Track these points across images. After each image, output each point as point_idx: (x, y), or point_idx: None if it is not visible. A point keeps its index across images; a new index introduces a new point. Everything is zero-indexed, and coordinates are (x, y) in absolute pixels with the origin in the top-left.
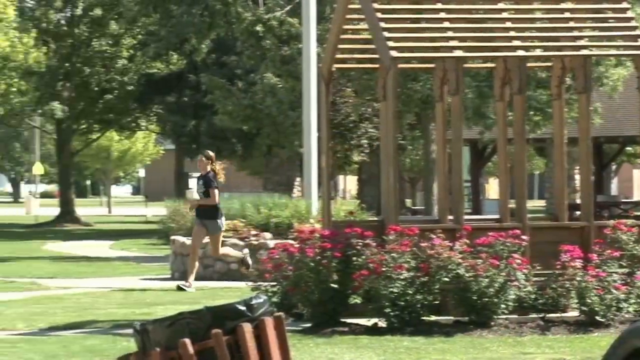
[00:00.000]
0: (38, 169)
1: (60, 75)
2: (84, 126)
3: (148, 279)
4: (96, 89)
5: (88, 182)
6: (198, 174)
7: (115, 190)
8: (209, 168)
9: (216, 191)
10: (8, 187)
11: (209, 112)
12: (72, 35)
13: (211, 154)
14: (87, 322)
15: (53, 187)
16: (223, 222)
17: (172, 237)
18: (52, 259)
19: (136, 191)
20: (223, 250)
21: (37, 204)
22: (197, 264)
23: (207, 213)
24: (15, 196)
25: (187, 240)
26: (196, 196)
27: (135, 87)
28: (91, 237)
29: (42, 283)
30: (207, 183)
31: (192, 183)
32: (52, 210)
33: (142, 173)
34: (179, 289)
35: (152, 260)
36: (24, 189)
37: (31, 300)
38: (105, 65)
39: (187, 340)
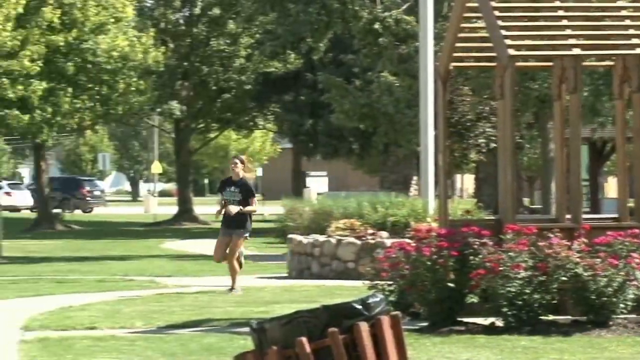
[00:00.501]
0: (156, 167)
1: (179, 75)
2: (202, 125)
3: (265, 278)
4: (214, 88)
5: (206, 181)
6: (226, 178)
7: None
8: (241, 174)
9: (255, 199)
10: (127, 186)
11: (326, 110)
12: (191, 35)
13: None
14: (204, 320)
15: (171, 186)
16: (249, 230)
17: (289, 236)
18: (170, 257)
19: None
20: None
21: (156, 203)
22: (237, 268)
23: (241, 222)
24: (134, 195)
25: (304, 239)
26: (234, 207)
27: (252, 86)
28: (209, 235)
29: (161, 281)
30: (246, 191)
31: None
32: (170, 208)
33: (259, 172)
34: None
35: (269, 258)
36: (143, 187)
37: (150, 299)
38: (223, 64)
39: (304, 339)
